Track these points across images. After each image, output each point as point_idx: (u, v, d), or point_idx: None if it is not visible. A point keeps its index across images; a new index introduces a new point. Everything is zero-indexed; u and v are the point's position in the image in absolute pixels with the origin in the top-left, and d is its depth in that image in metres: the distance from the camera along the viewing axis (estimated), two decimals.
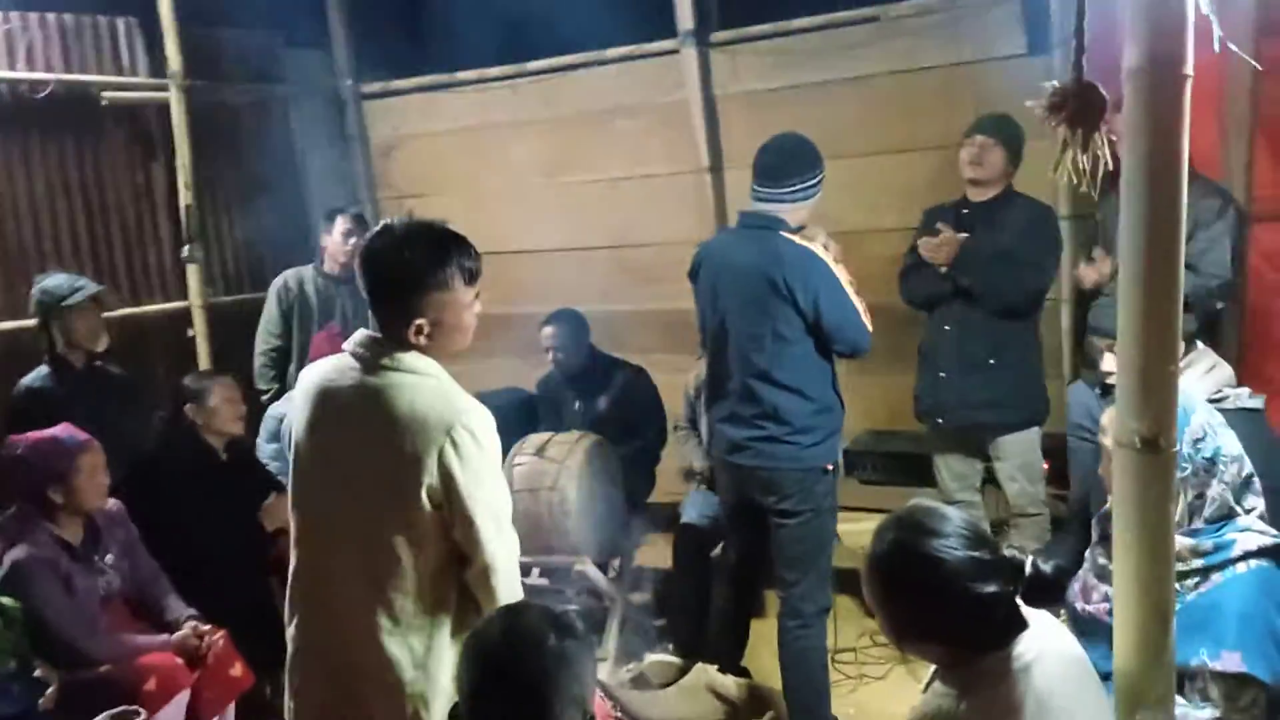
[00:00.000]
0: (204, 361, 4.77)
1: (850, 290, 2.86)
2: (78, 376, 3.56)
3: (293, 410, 2.07)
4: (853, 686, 3.32)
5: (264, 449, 3.83)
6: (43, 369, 3.58)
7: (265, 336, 4.28)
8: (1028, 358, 3.51)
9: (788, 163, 2.90)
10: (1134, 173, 1.46)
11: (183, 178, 4.69)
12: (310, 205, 5.45)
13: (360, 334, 1.99)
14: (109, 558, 3.01)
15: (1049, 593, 1.59)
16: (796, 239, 2.87)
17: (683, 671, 3.26)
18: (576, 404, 4.07)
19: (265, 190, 5.05)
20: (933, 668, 1.67)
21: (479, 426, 1.90)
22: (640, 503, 4.03)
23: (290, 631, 2.09)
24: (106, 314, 3.75)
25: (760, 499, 2.94)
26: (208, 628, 3.01)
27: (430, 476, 1.86)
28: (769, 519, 2.95)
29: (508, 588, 1.96)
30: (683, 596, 3.58)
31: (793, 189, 2.88)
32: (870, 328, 2.87)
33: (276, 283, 4.35)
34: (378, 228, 1.98)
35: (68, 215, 4.46)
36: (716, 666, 3.14)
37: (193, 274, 4.81)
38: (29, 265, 4.18)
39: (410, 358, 1.93)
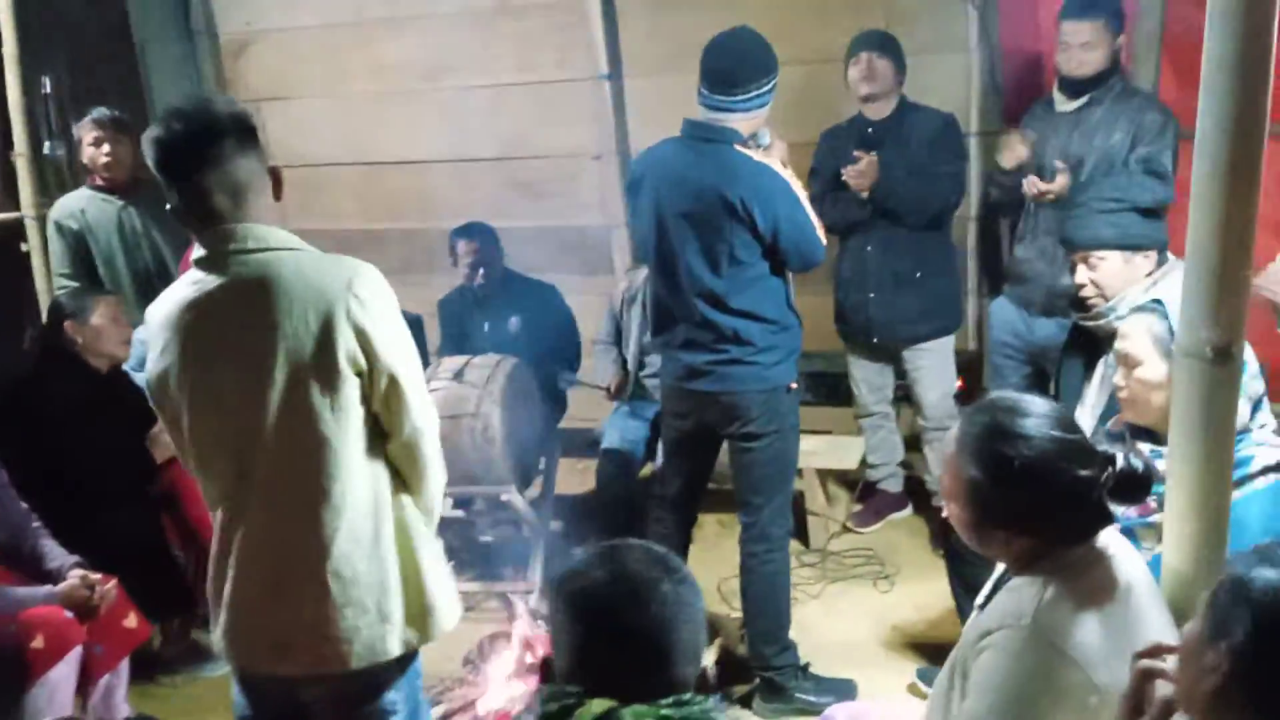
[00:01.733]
0: (41, 280, 4.24)
1: (805, 202, 2.75)
2: None
3: (152, 356, 1.83)
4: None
5: (137, 378, 3.43)
6: None
7: (59, 279, 3.76)
8: (949, 267, 3.58)
9: (740, 67, 2.68)
10: (1218, 67, 1.39)
11: (11, 71, 4.08)
12: (152, 108, 4.91)
13: (200, 240, 1.79)
14: None
15: (1136, 490, 1.54)
16: (752, 154, 2.72)
17: None
18: (485, 325, 3.82)
19: (100, 91, 4.45)
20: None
21: (376, 279, 1.80)
22: (555, 428, 3.86)
23: (218, 561, 1.88)
24: None
25: (720, 425, 2.83)
26: (98, 576, 2.66)
27: (344, 341, 1.72)
28: (731, 444, 2.85)
29: (437, 457, 1.89)
30: (607, 523, 3.47)
31: (747, 96, 2.67)
32: (825, 241, 2.78)
33: (53, 215, 3.83)
34: (162, 118, 1.76)
35: None
36: None
37: (24, 182, 4.23)
38: None
39: (266, 230, 1.78)
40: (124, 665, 2.79)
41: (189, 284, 1.80)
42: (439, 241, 4.84)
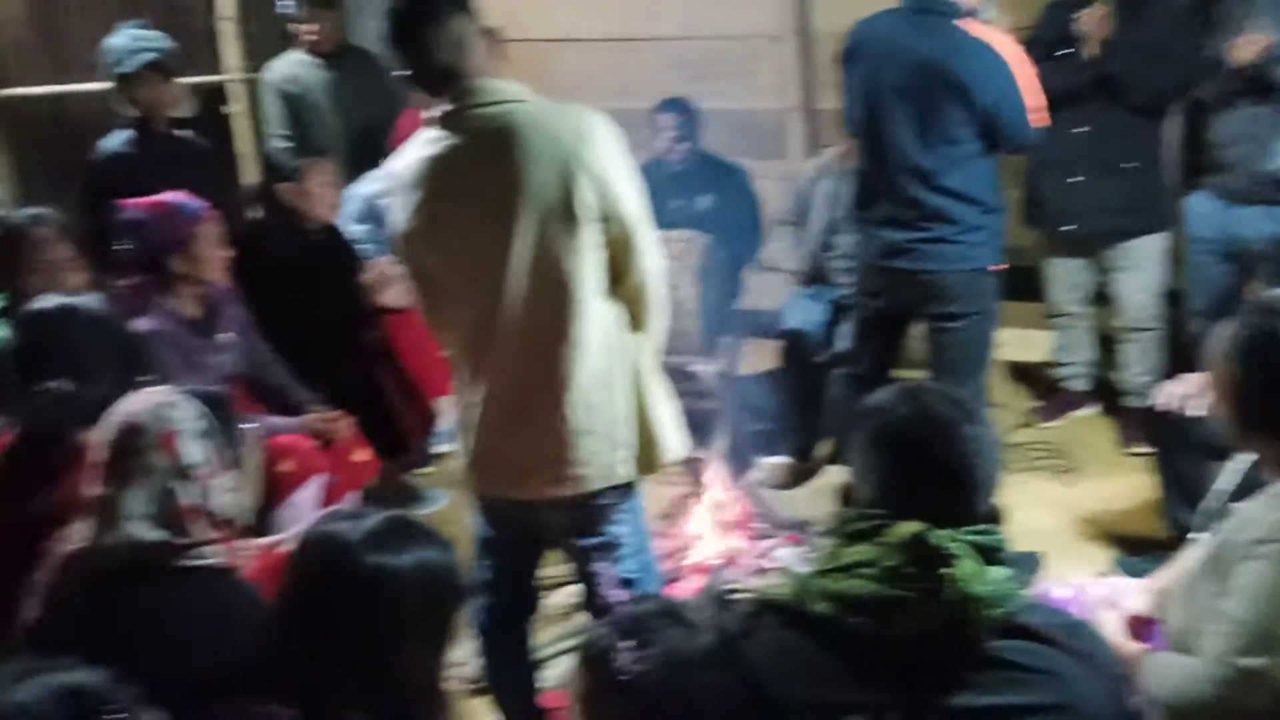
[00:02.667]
0: (243, 141, 4.45)
1: (1026, 81, 2.68)
2: (159, 143, 3.28)
3: (399, 216, 1.92)
4: None
5: (354, 230, 3.60)
6: (124, 133, 3.29)
7: (274, 141, 3.94)
8: (1158, 160, 3.41)
9: None
10: None
11: None
12: None
13: (438, 101, 1.86)
14: (227, 336, 2.83)
15: None
16: (973, 29, 2.65)
17: (800, 475, 3.25)
18: (677, 200, 3.86)
19: None
20: None
21: (606, 125, 1.87)
22: (737, 308, 3.92)
23: (465, 404, 1.99)
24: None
25: (918, 304, 2.84)
26: (335, 414, 2.87)
27: (583, 186, 1.80)
28: (928, 325, 2.86)
29: (662, 298, 1.97)
30: (791, 402, 3.53)
31: None
32: (1042, 122, 2.72)
33: (268, 79, 3.99)
34: None
35: None
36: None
37: (230, 45, 4.41)
38: (69, 20, 3.78)
39: (497, 84, 1.86)
40: (349, 497, 3.00)
41: (429, 143, 1.88)
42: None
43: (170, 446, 1.64)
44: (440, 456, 3.54)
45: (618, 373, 1.92)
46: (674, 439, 2.02)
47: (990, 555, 1.33)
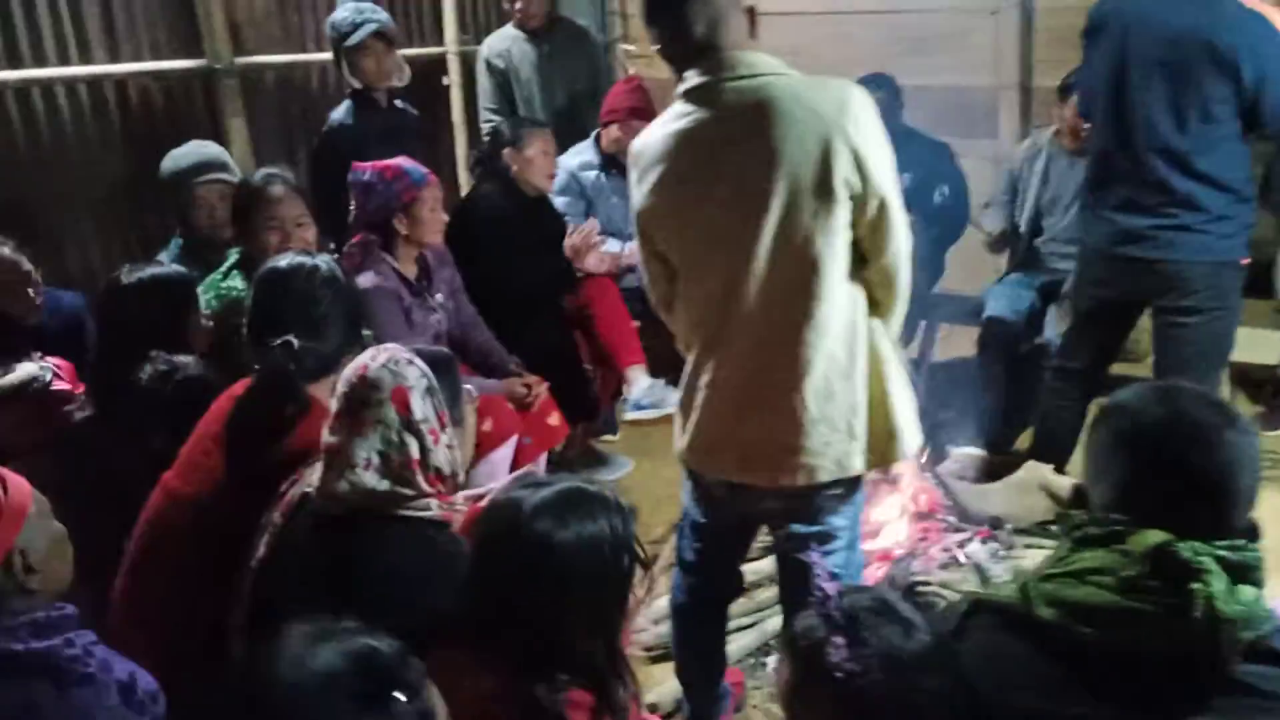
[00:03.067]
0: (457, 112, 4.62)
1: None
2: (379, 114, 3.44)
3: (640, 190, 1.89)
4: None
5: (557, 201, 3.69)
6: (348, 104, 3.47)
7: (486, 114, 4.08)
8: None
9: None
10: None
11: None
12: None
13: (691, 70, 1.81)
14: (438, 296, 2.96)
15: None
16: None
17: (996, 468, 3.12)
18: None
19: None
20: None
21: (867, 100, 1.78)
22: (934, 291, 3.79)
23: (689, 384, 1.97)
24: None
25: (1153, 295, 2.66)
26: (534, 378, 2.96)
27: (841, 164, 1.72)
28: (1160, 318, 2.68)
29: (907, 282, 1.89)
30: (989, 392, 3.39)
31: None
32: None
33: (483, 53, 4.09)
34: None
35: None
36: (1053, 467, 2.98)
37: (449, 18, 4.57)
38: None
39: (755, 57, 1.78)
40: (542, 458, 3.09)
41: (678, 117, 1.84)
42: None
43: (402, 401, 1.71)
44: (629, 424, 3.59)
45: (858, 360, 1.85)
46: (911, 432, 1.94)
47: (1243, 573, 1.24)
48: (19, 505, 1.44)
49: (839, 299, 1.81)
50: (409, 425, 1.71)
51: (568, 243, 3.36)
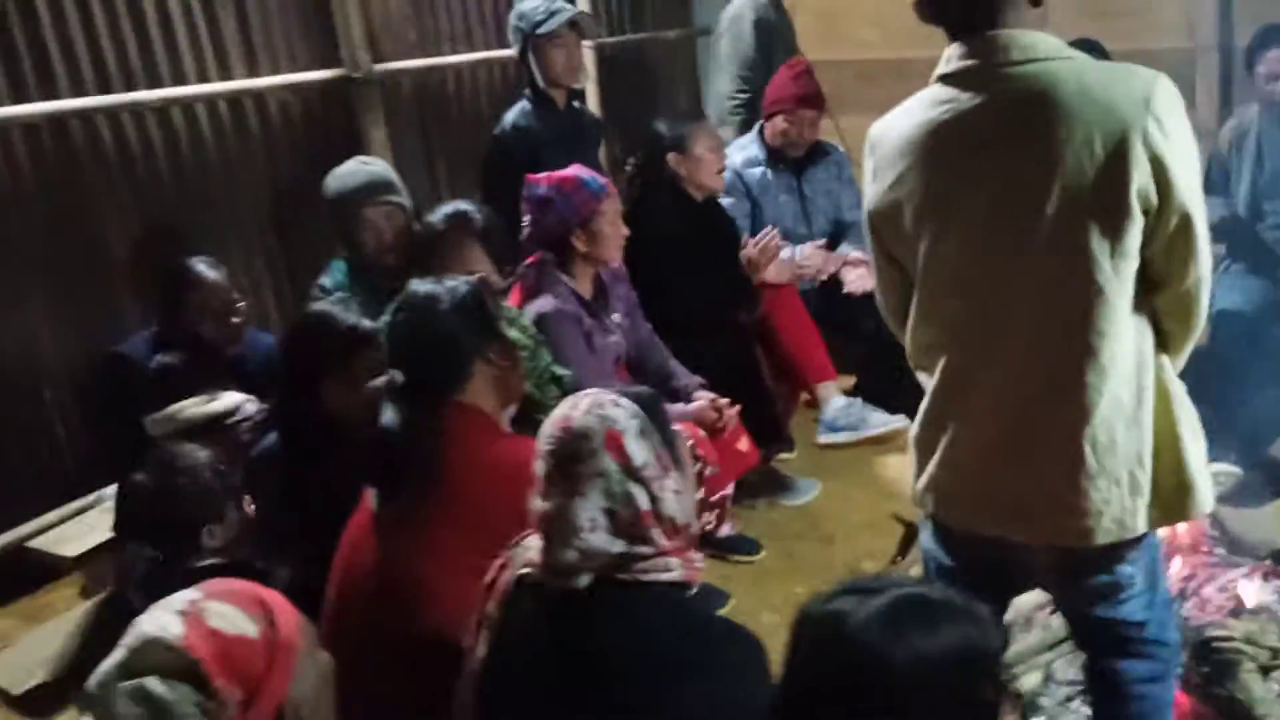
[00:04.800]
0: (595, 112, 4.38)
1: None
2: (557, 116, 3.19)
3: (876, 187, 1.62)
4: None
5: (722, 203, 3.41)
6: (524, 105, 3.22)
7: (737, 79, 3.83)
8: None
9: None
10: None
11: None
12: None
13: (952, 49, 1.53)
14: (615, 316, 2.71)
15: None
16: None
17: (1260, 489, 2.74)
18: None
19: None
20: None
21: (1174, 96, 1.47)
22: None
23: (930, 417, 1.69)
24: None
25: None
26: (724, 400, 2.68)
27: (1138, 172, 1.42)
28: None
29: (1204, 310, 1.59)
30: (1234, 397, 2.99)
31: None
32: None
33: (733, 10, 3.80)
34: None
35: None
36: None
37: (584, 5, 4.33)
38: None
39: (1033, 38, 1.49)
40: (730, 486, 2.82)
41: (931, 104, 1.56)
42: None
43: (617, 447, 1.47)
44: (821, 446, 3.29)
45: (1145, 403, 1.56)
46: (1205, 484, 1.64)
47: None
48: (289, 643, 1.21)
49: (1126, 333, 1.51)
50: (631, 473, 1.47)
51: (745, 254, 3.06)
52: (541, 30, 3.08)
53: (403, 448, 1.80)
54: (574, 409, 1.51)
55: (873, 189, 1.65)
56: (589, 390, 1.58)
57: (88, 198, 2.94)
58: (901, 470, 2.61)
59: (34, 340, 2.82)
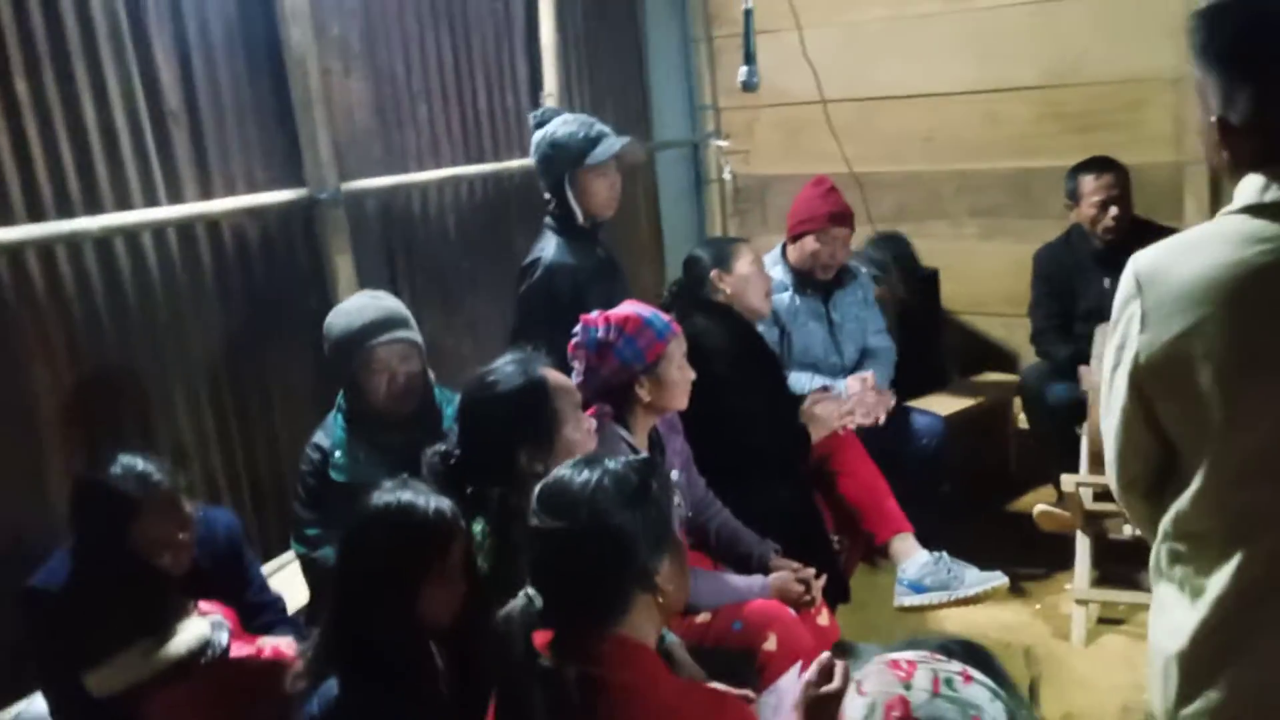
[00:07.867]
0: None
1: None
2: (590, 249, 2.82)
3: (1161, 331, 1.32)
4: None
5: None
6: (556, 239, 2.80)
7: None
8: None
9: None
10: None
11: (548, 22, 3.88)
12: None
13: (1257, 179, 1.28)
14: (674, 473, 2.31)
15: None
16: None
17: None
18: (1105, 281, 3.19)
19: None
20: None
21: None
22: None
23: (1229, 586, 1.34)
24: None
25: None
26: (810, 571, 2.29)
27: None
28: None
29: None
30: None
31: None
32: None
33: None
34: None
35: (434, 49, 3.67)
36: None
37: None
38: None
39: None
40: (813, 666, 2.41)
41: (1242, 241, 1.29)
42: (947, 185, 4.42)
43: None
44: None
45: None
46: None
47: None
48: None
49: None
50: None
51: (807, 409, 2.72)
52: (589, 160, 2.72)
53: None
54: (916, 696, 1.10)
55: (1145, 337, 1.34)
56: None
57: (10, 345, 2.43)
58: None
59: None
